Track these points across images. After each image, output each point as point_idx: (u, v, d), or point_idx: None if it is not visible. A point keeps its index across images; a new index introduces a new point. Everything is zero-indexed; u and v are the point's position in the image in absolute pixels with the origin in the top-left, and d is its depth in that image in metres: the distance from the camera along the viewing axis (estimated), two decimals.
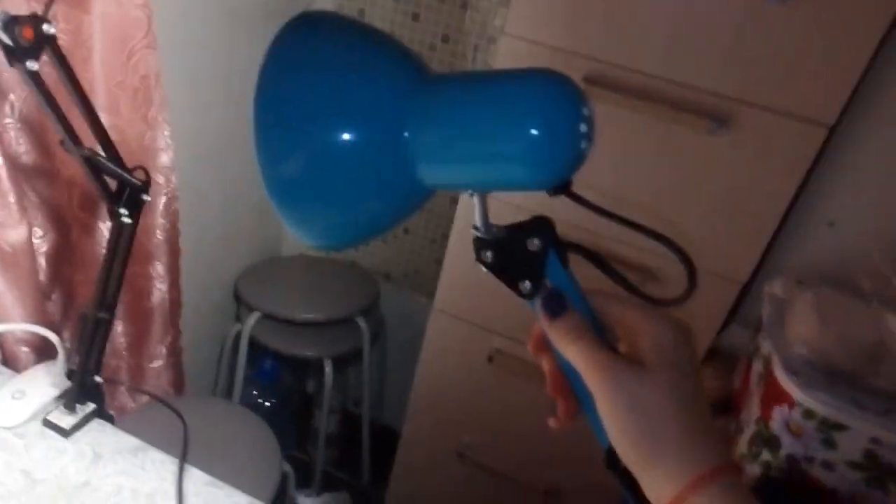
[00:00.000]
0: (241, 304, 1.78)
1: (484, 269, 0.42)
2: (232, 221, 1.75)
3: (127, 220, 0.84)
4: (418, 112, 0.37)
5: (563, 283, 0.41)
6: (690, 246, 1.10)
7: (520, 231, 0.40)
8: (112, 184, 0.83)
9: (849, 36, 0.92)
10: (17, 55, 0.60)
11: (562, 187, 0.39)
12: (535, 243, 0.40)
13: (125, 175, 0.80)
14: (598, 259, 0.43)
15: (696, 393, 0.38)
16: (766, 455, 0.89)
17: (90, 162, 0.75)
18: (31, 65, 0.61)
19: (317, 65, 0.38)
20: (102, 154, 0.76)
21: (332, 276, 1.90)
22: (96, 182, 0.77)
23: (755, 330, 1.10)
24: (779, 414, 0.86)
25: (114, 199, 0.81)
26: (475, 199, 0.41)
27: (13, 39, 0.58)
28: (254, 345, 1.72)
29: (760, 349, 0.99)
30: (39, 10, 0.73)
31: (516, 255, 0.41)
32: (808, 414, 0.82)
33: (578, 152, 0.37)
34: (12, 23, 0.58)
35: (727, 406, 1.08)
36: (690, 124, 1.01)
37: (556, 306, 0.40)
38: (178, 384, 1.48)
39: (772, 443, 0.88)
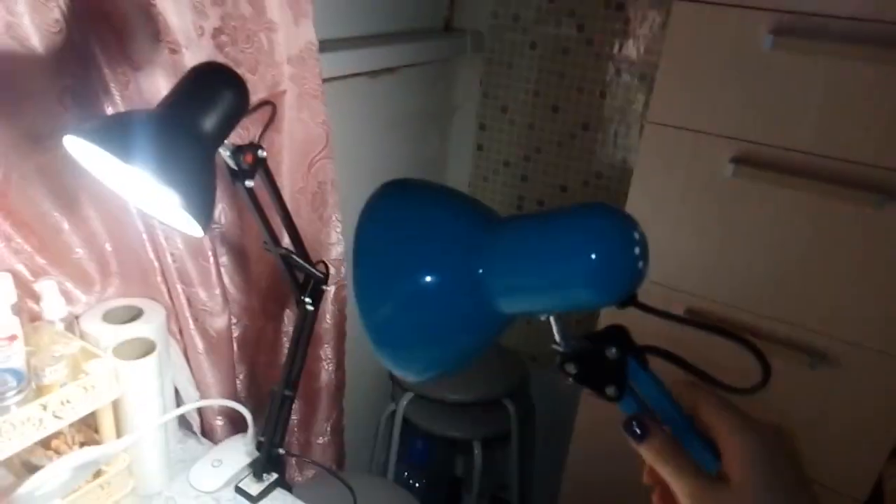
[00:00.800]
0: (395, 384, 1.88)
1: (570, 380, 0.45)
2: None
3: (310, 307, 0.96)
4: (489, 251, 0.43)
5: (646, 385, 0.44)
6: (860, 324, 1.04)
7: (596, 342, 0.44)
8: (299, 276, 0.95)
9: None
10: (239, 177, 0.74)
11: (628, 301, 0.42)
12: (612, 352, 0.43)
13: (312, 269, 0.92)
14: (673, 357, 0.45)
15: None
16: None
17: (286, 259, 0.87)
18: (249, 183, 0.75)
19: (400, 222, 0.46)
20: (295, 252, 0.89)
21: (482, 359, 1.95)
22: (289, 275, 0.90)
23: None
24: None
25: (301, 290, 0.93)
26: (552, 320, 0.44)
27: (237, 164, 0.72)
28: (407, 424, 1.79)
29: None
30: (248, 137, 0.89)
31: (597, 364, 0.44)
32: None
33: (636, 272, 0.40)
34: (238, 151, 0.71)
35: None
36: (854, 199, 0.98)
37: (638, 428, 0.42)
38: (340, 460, 1.57)
39: None
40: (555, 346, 0.46)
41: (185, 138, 0.61)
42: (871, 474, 1.09)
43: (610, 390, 0.44)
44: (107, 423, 0.87)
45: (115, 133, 0.58)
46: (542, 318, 0.45)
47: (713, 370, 0.45)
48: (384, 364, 0.48)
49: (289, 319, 1.31)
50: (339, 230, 1.27)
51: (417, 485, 1.94)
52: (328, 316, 1.35)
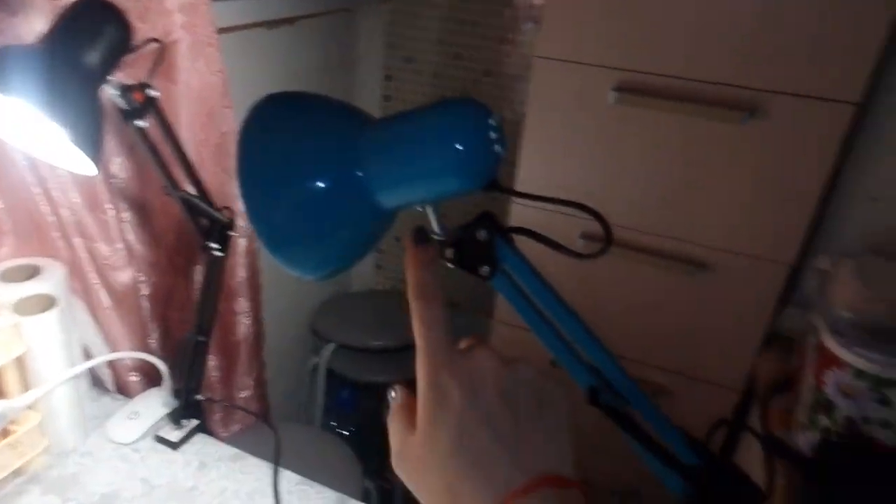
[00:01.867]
0: (317, 337, 1.90)
1: (450, 265, 0.50)
2: None
3: (218, 253, 0.97)
4: (365, 152, 0.46)
5: (514, 262, 0.49)
6: (733, 233, 1.16)
7: (469, 227, 0.49)
8: (204, 224, 0.96)
9: (863, 15, 0.97)
10: (129, 116, 0.74)
11: (491, 184, 0.47)
12: (482, 234, 0.48)
13: (215, 213, 0.92)
14: (534, 234, 0.51)
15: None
16: (824, 421, 0.91)
17: (187, 203, 0.88)
18: (140, 123, 0.75)
19: (280, 130, 0.48)
20: (196, 196, 0.89)
21: (399, 306, 2.01)
22: (192, 220, 0.91)
23: (809, 309, 1.12)
24: (831, 378, 0.88)
25: (206, 235, 0.94)
26: (428, 210, 0.49)
27: (128, 103, 0.72)
28: (331, 375, 1.83)
29: (813, 324, 1.01)
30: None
31: (471, 247, 0.49)
32: (859, 374, 0.84)
33: (495, 155, 0.45)
34: (126, 90, 0.71)
35: (788, 385, 1.10)
36: (722, 117, 1.07)
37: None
38: (265, 413, 1.59)
39: (828, 407, 0.90)
40: (434, 236, 0.51)
41: (69, 72, 0.61)
42: (746, 365, 1.22)
43: (483, 270, 0.49)
44: (11, 381, 0.86)
45: None
46: (420, 208, 0.50)
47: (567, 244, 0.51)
48: (281, 265, 0.51)
49: (200, 274, 1.31)
50: None
51: (347, 433, 1.99)
52: (241, 269, 1.35)
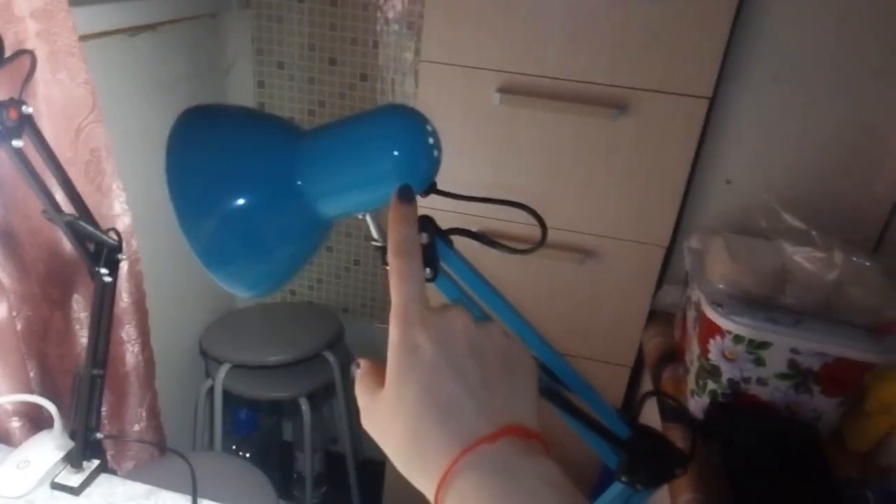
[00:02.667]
0: (208, 358, 1.81)
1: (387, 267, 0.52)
2: (187, 281, 1.79)
3: (108, 278, 0.90)
4: (302, 161, 0.47)
5: (455, 263, 0.51)
6: (614, 221, 1.25)
7: None
8: (90, 248, 0.89)
9: (707, 20, 1.09)
10: (3, 137, 0.67)
11: (430, 188, 0.49)
12: (423, 237, 0.50)
13: (103, 236, 0.86)
14: (472, 234, 0.54)
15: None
16: (711, 385, 1.02)
17: (72, 227, 0.81)
18: (17, 143, 0.68)
19: (210, 145, 0.47)
20: (80, 218, 0.83)
21: (293, 318, 1.96)
22: (78, 245, 0.84)
23: (684, 285, 1.24)
24: (714, 346, 0.99)
25: (94, 260, 0.88)
26: (368, 218, 0.51)
27: (1, 122, 0.66)
28: (228, 396, 1.75)
29: (691, 298, 1.13)
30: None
31: None
32: (737, 339, 0.96)
33: (433, 160, 0.47)
34: None
35: (674, 357, 1.21)
36: (596, 114, 1.16)
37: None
38: (161, 444, 1.50)
39: (713, 372, 1.01)
40: (374, 243, 0.52)
41: None
42: (634, 343, 1.33)
43: (427, 273, 0.51)
44: None
45: None
46: (360, 216, 0.51)
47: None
48: (219, 283, 0.49)
49: (78, 305, 1.21)
50: (122, 200, 1.19)
51: (247, 455, 1.92)
52: (125, 294, 1.26)
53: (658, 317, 1.32)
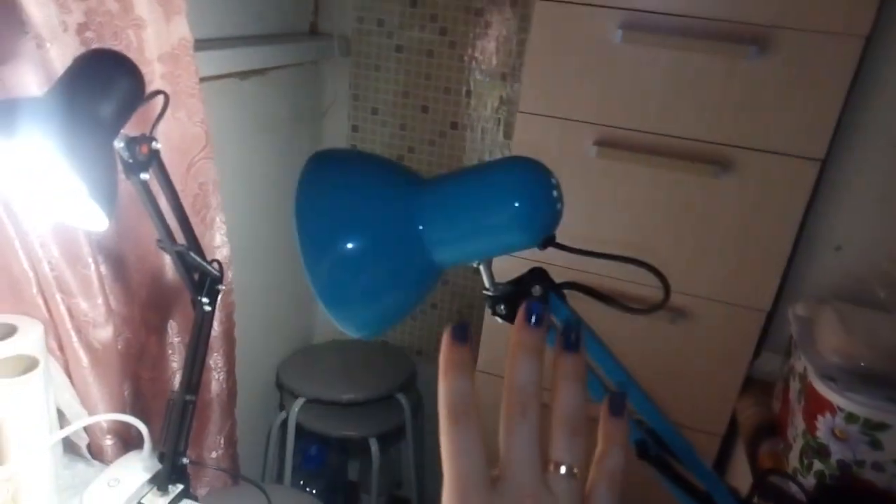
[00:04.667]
0: (283, 391, 1.84)
1: (500, 321, 0.51)
2: (270, 314, 1.84)
3: (208, 307, 0.93)
4: (425, 208, 0.47)
5: (567, 317, 0.50)
6: (710, 281, 1.20)
7: (522, 283, 0.50)
8: (195, 278, 0.93)
9: (822, 79, 1.05)
10: (133, 169, 0.71)
11: (548, 241, 0.48)
12: (536, 289, 0.49)
13: (208, 267, 0.90)
14: (587, 290, 0.52)
15: None
16: (818, 465, 0.94)
17: (182, 257, 0.85)
18: (144, 175, 0.73)
19: (338, 187, 0.48)
20: (191, 249, 0.87)
21: (368, 358, 1.97)
22: (185, 274, 0.87)
23: (786, 354, 1.17)
24: (823, 423, 0.92)
25: (197, 290, 0.91)
26: (482, 267, 0.50)
27: (132, 156, 0.70)
28: (300, 431, 1.76)
29: (795, 368, 1.06)
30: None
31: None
32: (851, 418, 0.88)
33: (555, 212, 0.47)
34: (132, 142, 0.69)
35: (772, 430, 1.13)
36: (698, 171, 1.13)
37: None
38: (237, 473, 1.52)
39: (821, 452, 0.93)
40: (485, 292, 0.51)
41: (87, 123, 0.59)
42: (727, 410, 1.26)
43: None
44: None
45: (5, 117, 0.55)
46: (475, 265, 0.50)
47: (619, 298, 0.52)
48: (334, 321, 0.50)
49: (172, 331, 1.26)
50: (223, 232, 1.24)
51: (314, 492, 1.91)
52: (216, 323, 1.30)
53: (755, 385, 1.24)
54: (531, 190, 0.46)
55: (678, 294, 1.22)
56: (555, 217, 0.47)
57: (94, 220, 0.63)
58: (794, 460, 0.99)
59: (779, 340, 1.24)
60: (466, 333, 0.35)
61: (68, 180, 0.56)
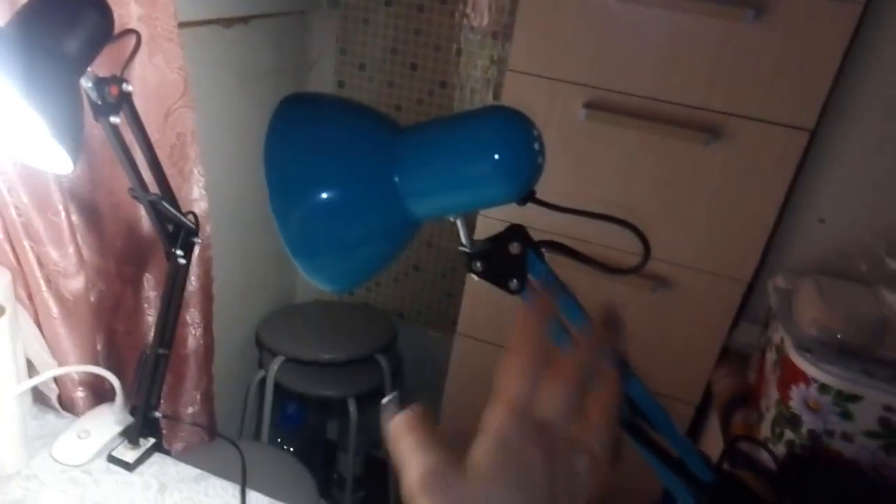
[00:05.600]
0: (263, 349, 1.83)
1: (476, 278, 0.49)
2: (251, 271, 1.82)
3: (182, 260, 0.91)
4: (402, 158, 0.45)
5: (544, 276, 0.48)
6: (694, 250, 1.19)
7: (500, 240, 0.48)
8: (169, 230, 0.90)
9: (817, 46, 1.03)
10: (103, 112, 0.68)
11: (528, 196, 0.47)
12: (515, 246, 0.48)
13: (182, 218, 0.87)
14: (566, 249, 0.51)
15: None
16: (789, 434, 0.95)
17: (155, 206, 0.82)
18: (115, 119, 0.70)
19: (310, 135, 0.46)
20: (164, 199, 0.84)
21: (349, 318, 1.96)
22: (158, 225, 0.85)
23: (764, 325, 1.17)
24: (797, 393, 0.92)
25: (172, 242, 0.89)
26: (459, 222, 0.48)
27: (102, 97, 0.67)
28: (278, 389, 1.76)
29: (771, 340, 1.06)
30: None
31: (501, 260, 0.48)
32: (824, 388, 0.89)
33: (536, 166, 0.45)
34: (101, 83, 0.66)
35: (746, 400, 1.14)
36: (687, 138, 1.11)
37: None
38: (211, 429, 1.51)
39: (793, 421, 0.94)
40: (462, 248, 0.49)
41: (49, 59, 0.55)
42: (703, 380, 1.26)
43: (513, 283, 0.48)
44: None
45: None
46: (451, 219, 0.48)
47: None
48: (303, 273, 0.48)
49: (148, 284, 1.23)
50: (201, 185, 1.20)
51: (291, 450, 1.92)
52: (193, 278, 1.28)
53: (731, 356, 1.25)
54: (511, 140, 0.45)
55: (660, 262, 1.22)
56: (535, 170, 0.45)
57: (59, 162, 0.60)
58: (765, 429, 1.00)
59: (757, 311, 1.25)
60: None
61: (29, 118, 0.53)
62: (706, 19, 1.06)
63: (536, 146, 0.45)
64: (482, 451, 0.34)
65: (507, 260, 0.48)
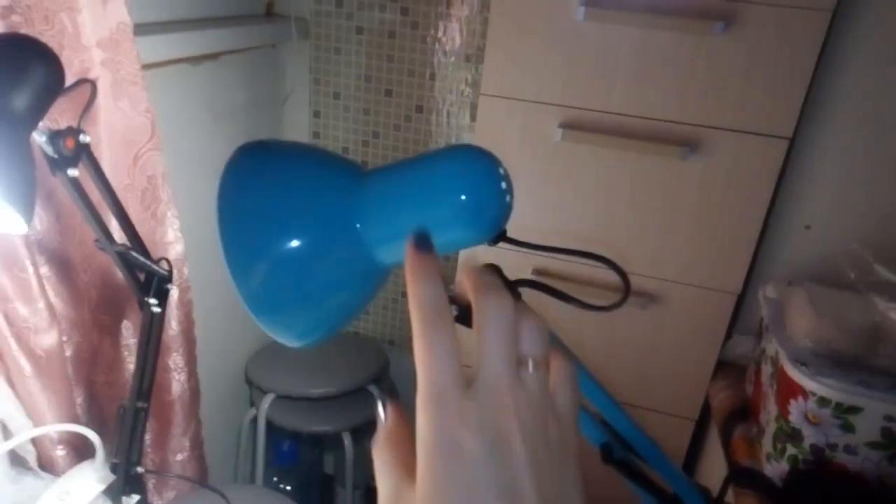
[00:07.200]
0: (253, 387, 1.79)
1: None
2: (235, 308, 1.78)
3: (157, 308, 0.88)
4: (363, 204, 0.43)
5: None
6: (681, 265, 1.18)
7: None
8: (140, 278, 0.87)
9: (789, 55, 1.02)
10: (59, 165, 0.66)
11: (499, 237, 0.45)
12: None
13: (154, 266, 0.84)
14: (543, 287, 0.49)
15: None
16: (791, 449, 0.93)
17: (123, 257, 0.80)
18: (73, 172, 0.67)
19: (265, 183, 0.44)
20: (132, 248, 0.81)
21: (339, 350, 1.93)
22: (129, 275, 0.82)
23: (757, 336, 1.15)
24: (796, 407, 0.90)
25: (144, 291, 0.86)
26: None
27: (57, 151, 0.64)
28: (271, 427, 1.72)
29: (766, 352, 1.04)
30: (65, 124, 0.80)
31: None
32: (823, 402, 0.87)
33: (504, 206, 0.42)
34: (56, 136, 0.64)
35: (745, 413, 1.12)
36: (665, 153, 1.10)
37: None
38: (203, 475, 1.47)
39: (794, 436, 0.92)
40: None
41: None
42: (700, 395, 1.24)
43: None
44: None
45: None
46: None
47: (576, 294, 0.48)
48: (266, 331, 0.45)
49: (128, 332, 1.20)
50: (176, 227, 1.18)
51: (288, 488, 1.88)
52: (174, 322, 1.25)
53: (727, 369, 1.23)
54: (477, 181, 0.42)
55: (647, 278, 1.20)
56: (504, 210, 0.43)
57: (12, 222, 0.57)
58: (767, 445, 0.98)
59: (749, 323, 1.23)
60: (428, 241, 0.35)
61: None
62: (675, 33, 1.05)
63: (504, 185, 0.43)
64: (420, 468, 0.29)
65: None
